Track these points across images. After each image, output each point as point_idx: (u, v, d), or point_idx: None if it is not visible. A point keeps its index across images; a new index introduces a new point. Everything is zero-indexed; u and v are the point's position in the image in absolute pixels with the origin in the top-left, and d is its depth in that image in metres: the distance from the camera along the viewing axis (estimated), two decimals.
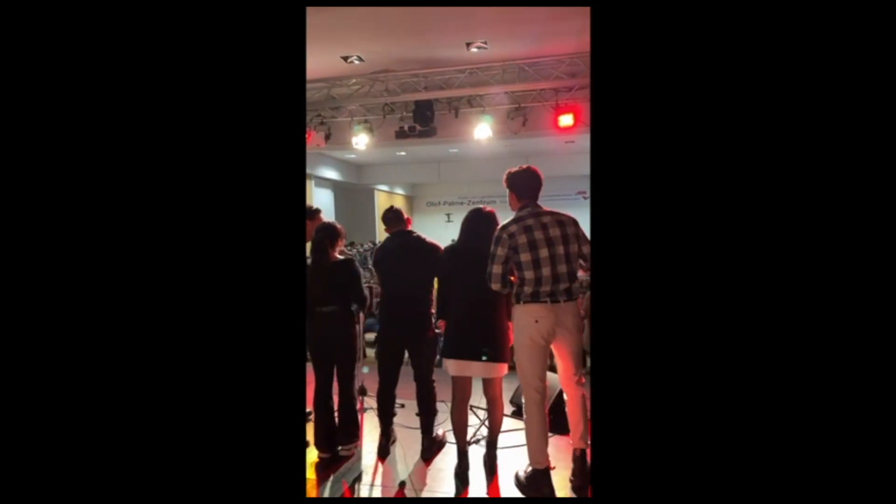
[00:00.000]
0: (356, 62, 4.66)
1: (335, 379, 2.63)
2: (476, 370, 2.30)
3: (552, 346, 2.21)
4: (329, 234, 2.57)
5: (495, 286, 2.16)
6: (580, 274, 2.28)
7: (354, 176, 10.62)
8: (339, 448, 2.61)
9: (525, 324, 2.15)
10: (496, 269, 2.15)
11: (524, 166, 2.29)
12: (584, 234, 2.23)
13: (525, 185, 2.26)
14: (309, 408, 2.69)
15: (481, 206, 2.49)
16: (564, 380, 2.28)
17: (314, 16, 3.73)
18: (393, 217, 2.75)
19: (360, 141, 5.67)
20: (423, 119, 4.93)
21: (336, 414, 2.62)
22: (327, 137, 5.89)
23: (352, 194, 10.99)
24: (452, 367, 2.31)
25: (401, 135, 5.54)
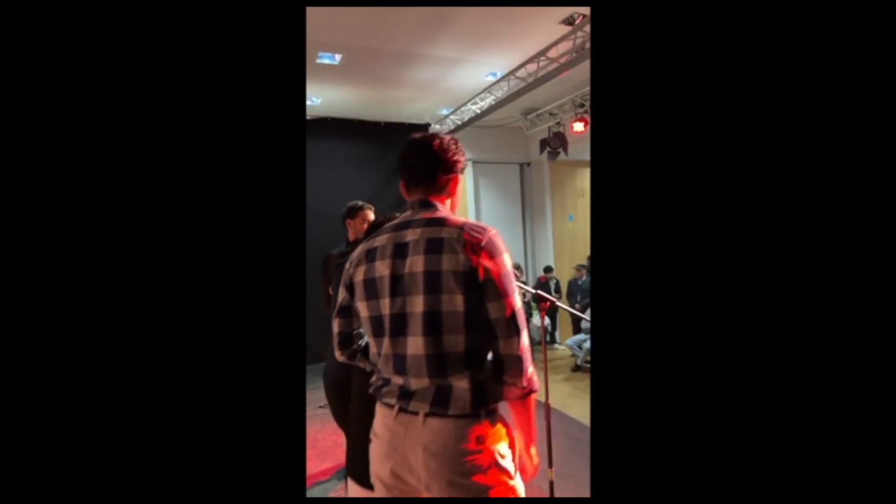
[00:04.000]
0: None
1: None
2: None
3: None
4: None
5: (338, 356, 1.28)
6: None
7: None
8: None
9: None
10: (333, 325, 1.27)
11: (416, 135, 1.23)
12: (499, 272, 1.06)
13: (409, 166, 1.20)
14: None
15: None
16: None
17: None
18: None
19: None
20: None
21: None
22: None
23: None
24: None
25: None
